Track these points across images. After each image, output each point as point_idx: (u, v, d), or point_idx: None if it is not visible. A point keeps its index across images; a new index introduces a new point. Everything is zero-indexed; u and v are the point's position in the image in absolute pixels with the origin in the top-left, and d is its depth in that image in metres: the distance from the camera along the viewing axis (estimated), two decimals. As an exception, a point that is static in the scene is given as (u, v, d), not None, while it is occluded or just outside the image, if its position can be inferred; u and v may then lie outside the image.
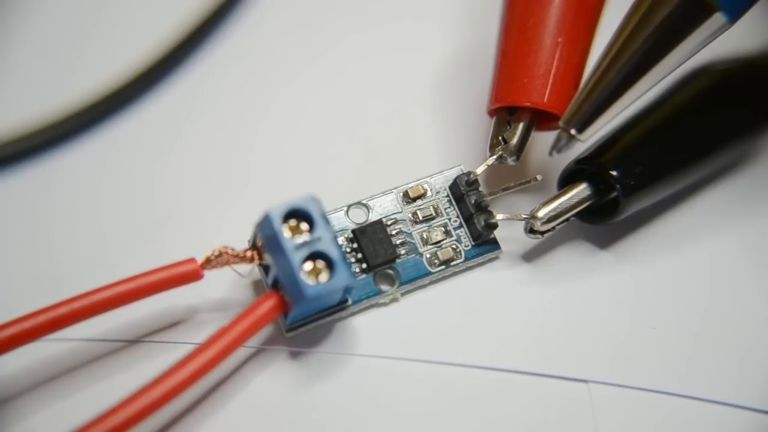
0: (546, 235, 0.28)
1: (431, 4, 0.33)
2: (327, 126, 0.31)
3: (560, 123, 0.27)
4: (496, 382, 0.27)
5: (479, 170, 0.28)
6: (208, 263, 0.26)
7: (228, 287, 0.28)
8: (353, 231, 0.28)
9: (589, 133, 0.27)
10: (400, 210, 0.28)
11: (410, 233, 0.28)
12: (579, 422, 0.27)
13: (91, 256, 0.28)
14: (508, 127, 0.28)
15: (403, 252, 0.28)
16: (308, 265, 0.25)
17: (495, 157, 0.28)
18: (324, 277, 0.25)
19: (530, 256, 0.29)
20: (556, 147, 0.27)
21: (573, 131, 0.26)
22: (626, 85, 0.26)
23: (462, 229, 0.28)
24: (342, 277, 0.25)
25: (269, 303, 0.26)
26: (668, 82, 0.30)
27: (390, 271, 0.28)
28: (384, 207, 0.28)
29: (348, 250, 0.28)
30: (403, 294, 0.28)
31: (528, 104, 0.28)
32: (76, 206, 0.29)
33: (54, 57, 0.32)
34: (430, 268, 0.28)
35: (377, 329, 0.27)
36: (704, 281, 0.29)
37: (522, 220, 0.28)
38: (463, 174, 0.29)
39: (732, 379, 0.28)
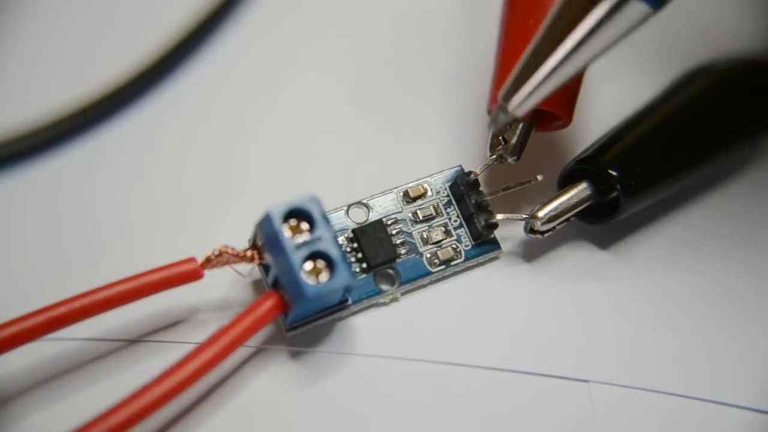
0: (546, 234, 0.28)
1: (431, 3, 0.33)
2: (327, 125, 0.31)
3: (498, 97, 0.26)
4: (496, 382, 0.27)
5: (479, 170, 0.28)
6: (208, 263, 0.26)
7: (228, 287, 0.28)
8: (353, 231, 0.28)
9: (515, 102, 0.26)
10: (400, 210, 0.28)
11: (410, 233, 0.28)
12: (579, 422, 0.27)
13: (90, 255, 0.28)
14: (509, 127, 0.28)
15: (403, 252, 0.28)
16: (308, 265, 0.25)
17: (495, 156, 0.28)
18: (324, 276, 0.25)
19: (530, 256, 0.29)
20: (493, 122, 0.26)
21: (502, 101, 0.26)
22: (543, 58, 0.25)
23: (462, 229, 0.28)
24: (342, 277, 0.25)
25: (269, 302, 0.25)
26: (668, 82, 0.30)
27: (390, 271, 0.28)
28: (384, 207, 0.28)
29: (348, 249, 0.28)
30: (403, 294, 0.28)
31: (528, 104, 0.28)
32: (76, 206, 0.29)
33: (53, 57, 0.31)
34: (430, 268, 0.28)
35: (377, 329, 0.27)
36: (704, 281, 0.29)
37: (522, 219, 0.28)
38: (463, 174, 0.29)
39: (732, 379, 0.28)
